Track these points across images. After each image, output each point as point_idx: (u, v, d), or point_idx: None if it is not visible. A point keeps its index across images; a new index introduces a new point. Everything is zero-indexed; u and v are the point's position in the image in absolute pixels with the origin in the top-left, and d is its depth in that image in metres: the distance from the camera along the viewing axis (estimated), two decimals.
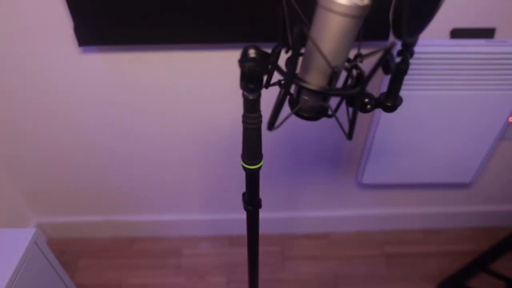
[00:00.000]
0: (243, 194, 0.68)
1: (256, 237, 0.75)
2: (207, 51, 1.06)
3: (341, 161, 1.37)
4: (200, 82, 1.13)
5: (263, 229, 1.63)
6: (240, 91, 0.62)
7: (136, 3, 0.94)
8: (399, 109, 1.14)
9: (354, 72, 0.49)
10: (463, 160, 1.30)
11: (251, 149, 0.57)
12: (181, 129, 1.25)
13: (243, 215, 1.54)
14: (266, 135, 1.27)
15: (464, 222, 1.66)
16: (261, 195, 1.45)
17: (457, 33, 1.06)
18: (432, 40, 1.03)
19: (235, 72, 1.11)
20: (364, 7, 0.41)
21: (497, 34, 1.06)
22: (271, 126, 0.48)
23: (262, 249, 1.60)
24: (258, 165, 0.59)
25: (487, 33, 1.06)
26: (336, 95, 0.47)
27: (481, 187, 1.51)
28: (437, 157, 1.28)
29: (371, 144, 1.23)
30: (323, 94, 0.48)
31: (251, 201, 0.66)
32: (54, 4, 0.96)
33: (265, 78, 0.50)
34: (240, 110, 1.18)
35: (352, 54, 0.48)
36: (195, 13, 0.96)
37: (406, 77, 1.05)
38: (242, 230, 1.62)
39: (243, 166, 0.60)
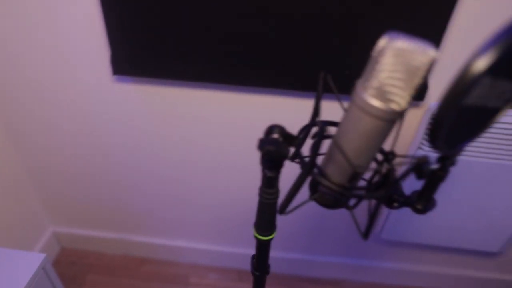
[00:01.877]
0: (252, 258, 0.66)
1: None
2: (239, 93, 1.06)
3: (363, 212, 1.32)
4: (225, 121, 1.13)
5: (273, 267, 1.59)
6: None
7: (173, 40, 0.95)
8: None
9: (384, 167, 0.45)
10: (494, 229, 1.22)
11: (265, 221, 0.55)
12: (204, 160, 1.24)
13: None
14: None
15: None
16: (277, 234, 1.42)
17: None
18: None
19: (266, 116, 1.10)
20: (399, 112, 0.38)
21: None
22: (282, 209, 0.46)
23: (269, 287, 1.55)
24: (270, 237, 0.57)
25: None
26: (352, 196, 0.44)
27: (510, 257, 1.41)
28: (465, 223, 1.21)
29: None
30: (338, 195, 0.45)
31: (259, 268, 0.64)
32: (94, 30, 0.98)
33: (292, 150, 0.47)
34: None
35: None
36: (230, 55, 0.96)
37: None
38: None
39: (254, 236, 0.58)
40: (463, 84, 0.31)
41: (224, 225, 1.46)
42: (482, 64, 0.30)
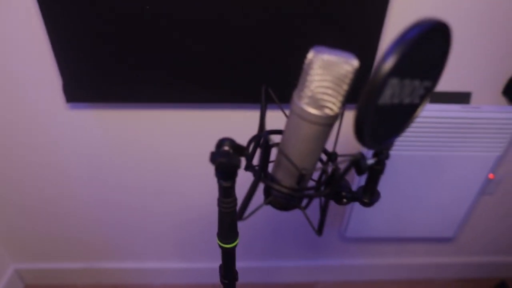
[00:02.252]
0: (220, 267, 0.68)
1: None
2: (197, 110, 1.09)
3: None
4: (187, 140, 1.15)
5: (247, 278, 1.61)
6: None
7: (125, 63, 0.96)
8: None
9: (330, 167, 0.50)
10: (445, 216, 1.31)
11: (226, 229, 0.57)
12: (166, 179, 1.25)
13: None
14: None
15: (451, 274, 1.65)
16: (244, 243, 1.44)
17: (437, 97, 1.10)
18: None
19: (225, 131, 1.13)
20: (334, 117, 0.43)
21: (473, 98, 1.10)
22: (240, 216, 0.49)
23: None
24: (233, 244, 0.60)
25: (463, 97, 1.10)
26: (301, 197, 0.48)
27: (465, 240, 1.51)
28: (420, 213, 1.29)
29: None
30: (289, 197, 0.49)
31: (227, 275, 0.66)
32: (45, 61, 0.98)
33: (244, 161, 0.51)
34: None
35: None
36: (184, 73, 0.99)
37: None
38: None
39: (218, 244, 0.60)
40: (375, 86, 0.35)
41: (194, 241, 1.46)
42: (386, 67, 0.35)
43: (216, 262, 1.54)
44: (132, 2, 0.86)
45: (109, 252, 1.50)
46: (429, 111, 1.05)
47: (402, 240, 1.49)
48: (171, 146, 1.17)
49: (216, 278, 1.58)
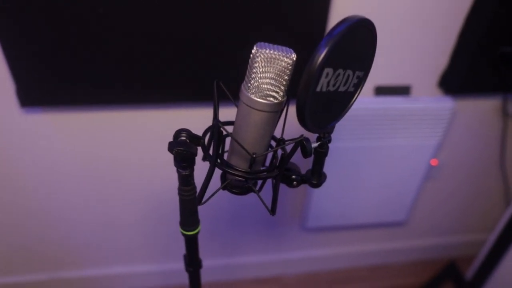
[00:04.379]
0: (184, 256, 0.72)
1: None
2: (153, 111, 1.11)
3: (284, 207, 1.44)
4: (145, 142, 1.17)
5: (211, 277, 1.63)
6: None
7: (79, 63, 0.97)
8: (335, 157, 1.24)
9: (279, 152, 0.55)
10: (395, 201, 1.41)
11: (188, 217, 0.61)
12: (125, 177, 1.26)
13: None
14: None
15: (406, 257, 1.77)
16: (204, 241, 1.47)
17: (380, 90, 1.19)
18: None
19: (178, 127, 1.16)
20: (279, 103, 0.48)
21: (413, 90, 1.21)
22: (199, 201, 0.53)
23: None
24: (196, 231, 0.64)
25: (404, 90, 1.20)
26: (254, 179, 0.53)
27: (416, 223, 1.63)
28: (372, 199, 1.38)
29: (311, 191, 1.32)
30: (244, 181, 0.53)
31: (192, 263, 0.70)
32: None
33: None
34: None
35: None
36: (140, 73, 1.01)
37: (339, 129, 1.16)
38: None
39: (181, 233, 0.64)
40: (311, 75, 0.41)
41: (160, 240, 1.47)
42: (319, 58, 0.40)
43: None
44: (85, 4, 0.88)
45: (71, 260, 1.47)
46: (374, 104, 1.14)
47: (359, 227, 1.58)
48: (127, 148, 1.18)
49: (185, 278, 1.60)
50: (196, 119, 1.14)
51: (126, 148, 1.18)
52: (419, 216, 1.61)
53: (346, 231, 1.59)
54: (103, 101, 1.06)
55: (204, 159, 0.56)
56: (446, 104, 1.18)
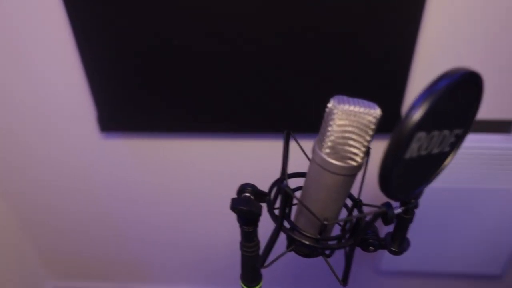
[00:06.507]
0: None
1: None
2: (224, 140, 1.10)
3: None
4: (213, 168, 1.16)
5: None
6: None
7: (157, 94, 1.00)
8: (423, 197, 1.11)
9: (354, 216, 0.48)
10: (490, 251, 1.22)
11: (249, 273, 0.57)
12: (196, 205, 1.27)
13: None
14: None
15: None
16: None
17: (476, 126, 1.04)
18: None
19: (256, 160, 1.13)
20: (357, 167, 0.41)
21: None
22: (261, 264, 0.48)
23: None
24: (257, 287, 0.59)
25: (504, 126, 1.04)
26: (323, 248, 0.47)
27: None
28: (462, 247, 1.21)
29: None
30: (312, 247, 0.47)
31: None
32: (80, 93, 1.03)
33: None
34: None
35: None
36: (210, 104, 1.00)
37: None
38: None
39: (242, 287, 0.59)
40: (400, 142, 0.34)
41: (222, 270, 1.46)
42: (412, 122, 0.33)
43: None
44: (162, 36, 0.90)
45: (141, 274, 1.52)
46: (468, 142, 1.00)
47: (442, 276, 1.40)
48: (199, 175, 1.18)
49: None
50: (263, 150, 1.10)
51: (198, 175, 1.18)
52: None
53: (427, 279, 1.42)
54: (176, 129, 1.07)
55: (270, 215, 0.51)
56: None
